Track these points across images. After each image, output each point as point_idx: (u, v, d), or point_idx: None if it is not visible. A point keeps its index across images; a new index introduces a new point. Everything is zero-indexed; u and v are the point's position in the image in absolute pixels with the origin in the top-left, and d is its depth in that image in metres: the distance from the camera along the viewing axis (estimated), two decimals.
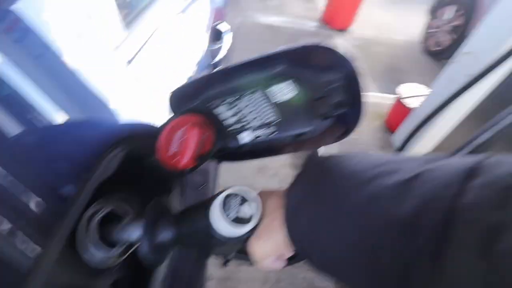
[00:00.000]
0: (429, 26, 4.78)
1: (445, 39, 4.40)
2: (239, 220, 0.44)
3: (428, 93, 2.39)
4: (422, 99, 2.43)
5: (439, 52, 4.50)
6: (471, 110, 2.16)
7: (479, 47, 1.92)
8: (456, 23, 4.20)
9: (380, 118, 3.02)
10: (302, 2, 5.61)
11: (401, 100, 2.63)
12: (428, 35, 4.79)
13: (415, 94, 2.59)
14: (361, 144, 2.70)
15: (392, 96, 2.87)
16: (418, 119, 1.91)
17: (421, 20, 5.26)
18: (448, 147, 2.36)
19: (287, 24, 4.75)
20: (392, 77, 4.03)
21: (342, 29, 4.87)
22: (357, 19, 4.86)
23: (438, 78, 2.27)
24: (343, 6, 4.62)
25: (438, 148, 2.43)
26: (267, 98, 0.48)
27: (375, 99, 3.29)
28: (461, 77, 2.00)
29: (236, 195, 0.46)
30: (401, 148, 2.07)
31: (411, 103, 2.56)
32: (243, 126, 0.52)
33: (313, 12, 5.33)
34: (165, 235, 0.48)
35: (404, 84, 2.76)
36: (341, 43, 4.57)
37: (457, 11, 4.20)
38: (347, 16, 4.73)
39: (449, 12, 4.36)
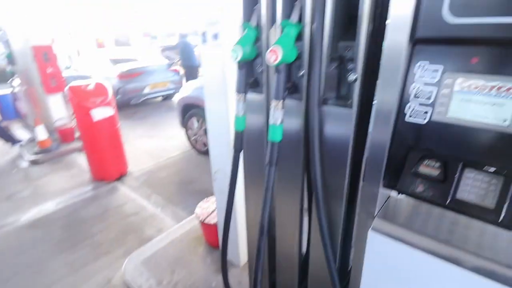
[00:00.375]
0: (189, 135, 5.62)
1: (206, 139, 5.28)
2: None
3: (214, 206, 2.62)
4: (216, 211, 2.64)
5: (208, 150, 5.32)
6: None
7: (217, 166, 2.33)
8: (204, 127, 5.17)
9: (200, 241, 3.02)
10: (63, 173, 5.15)
11: (203, 222, 2.74)
12: (193, 141, 5.60)
13: (211, 210, 2.78)
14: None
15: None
16: (221, 231, 1.99)
17: (180, 132, 6.11)
18: None
19: (57, 205, 4.12)
20: (189, 191, 4.29)
21: (121, 175, 4.79)
22: (129, 159, 4.98)
23: (214, 190, 2.54)
24: (105, 158, 4.60)
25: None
26: None
27: (187, 225, 3.30)
28: (224, 188, 2.32)
29: None
30: (222, 262, 2.06)
31: (210, 219, 2.72)
32: None
33: (81, 176, 4.98)
34: None
35: (199, 205, 2.93)
36: (124, 190, 4.45)
37: (197, 120, 5.21)
38: (117, 163, 4.74)
39: (195, 122, 5.32)
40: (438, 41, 0.87)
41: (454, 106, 0.91)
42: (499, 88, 0.83)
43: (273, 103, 1.21)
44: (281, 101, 1.19)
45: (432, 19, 0.83)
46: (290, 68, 1.26)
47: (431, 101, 0.94)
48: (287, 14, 1.18)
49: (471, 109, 0.88)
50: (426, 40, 0.89)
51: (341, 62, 1.12)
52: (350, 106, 1.12)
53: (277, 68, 1.15)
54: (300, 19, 1.15)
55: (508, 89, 0.82)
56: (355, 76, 1.05)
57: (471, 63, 0.86)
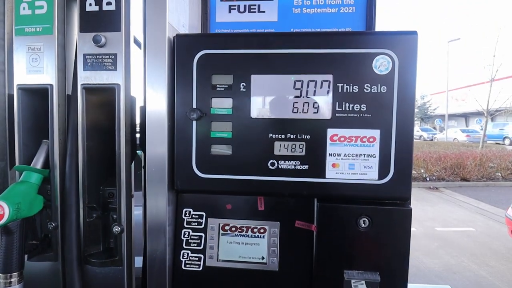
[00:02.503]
0: None
1: None
2: None
3: None
4: None
5: None
6: None
7: None
8: None
9: None
10: None
11: None
12: None
13: None
14: None
15: None
16: None
17: None
18: None
19: None
20: None
21: None
22: None
23: None
24: None
25: None
26: None
27: None
28: None
29: None
30: None
31: None
32: None
33: None
34: None
35: None
36: None
37: None
38: None
39: None
40: (194, 191, 0.90)
41: (222, 249, 0.92)
42: (253, 229, 0.92)
43: (1, 279, 0.82)
44: (15, 273, 0.83)
45: (185, 173, 0.85)
46: (34, 220, 0.94)
47: (202, 246, 0.92)
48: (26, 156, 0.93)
49: (236, 250, 0.92)
50: (185, 191, 0.90)
51: (105, 210, 0.95)
52: (120, 264, 0.92)
53: (5, 229, 0.82)
54: (48, 162, 0.93)
55: (260, 229, 0.92)
56: (120, 227, 0.90)
57: (227, 209, 0.93)
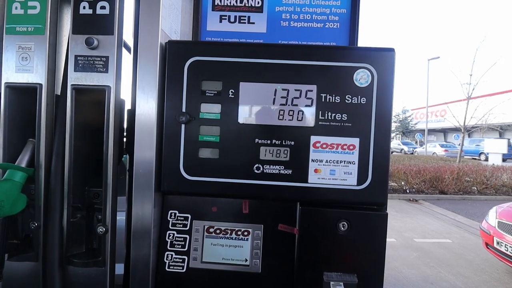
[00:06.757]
0: None
1: None
2: None
3: None
4: None
5: None
6: None
7: None
8: None
9: None
10: None
11: None
12: None
13: None
14: None
15: None
16: None
17: None
18: None
19: None
20: None
21: None
22: None
23: None
24: None
25: None
26: None
27: None
28: None
29: None
30: None
31: None
32: None
33: None
34: None
35: None
36: None
37: None
38: None
39: None
40: (181, 193, 0.92)
41: (206, 251, 0.94)
42: (237, 231, 0.94)
43: None
44: None
45: (172, 175, 0.87)
46: (16, 219, 0.93)
47: (186, 248, 0.93)
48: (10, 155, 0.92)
49: (220, 252, 0.93)
50: (172, 192, 0.92)
51: (90, 210, 0.95)
52: (103, 265, 0.91)
53: None
54: (33, 161, 0.92)
55: (244, 232, 0.94)
56: (105, 228, 0.90)
57: (213, 211, 0.95)
